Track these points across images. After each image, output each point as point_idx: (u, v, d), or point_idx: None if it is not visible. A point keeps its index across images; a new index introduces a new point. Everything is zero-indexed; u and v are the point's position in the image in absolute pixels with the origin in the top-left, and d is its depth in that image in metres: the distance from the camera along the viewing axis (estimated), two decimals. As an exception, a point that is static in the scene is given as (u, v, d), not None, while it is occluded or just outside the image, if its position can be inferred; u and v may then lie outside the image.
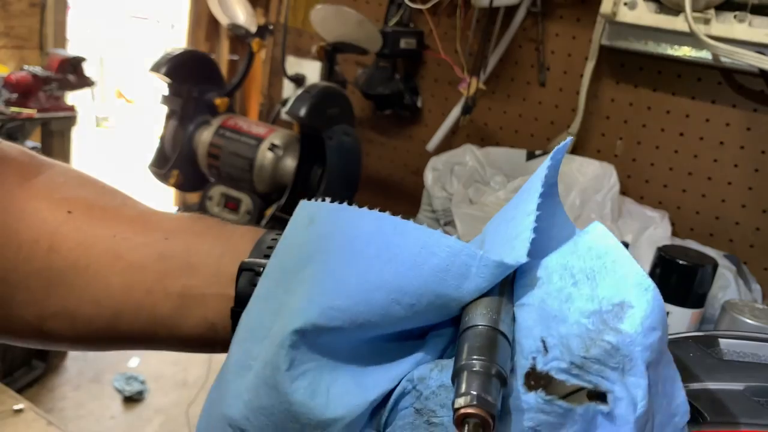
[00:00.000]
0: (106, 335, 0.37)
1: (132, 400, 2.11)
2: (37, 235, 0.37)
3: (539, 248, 0.22)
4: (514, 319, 0.21)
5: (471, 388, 0.18)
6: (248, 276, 0.32)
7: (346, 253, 0.23)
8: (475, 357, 0.19)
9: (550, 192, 0.23)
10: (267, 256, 0.31)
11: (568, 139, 0.27)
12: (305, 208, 0.28)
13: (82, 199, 0.39)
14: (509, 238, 0.22)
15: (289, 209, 1.08)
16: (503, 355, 0.19)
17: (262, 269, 0.31)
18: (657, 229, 0.96)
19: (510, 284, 0.22)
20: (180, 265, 0.35)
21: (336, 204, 0.26)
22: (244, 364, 0.25)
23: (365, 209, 0.25)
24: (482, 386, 0.18)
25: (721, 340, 0.50)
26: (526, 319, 0.21)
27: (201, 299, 0.34)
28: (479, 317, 0.20)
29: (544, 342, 0.20)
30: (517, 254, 0.20)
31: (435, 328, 0.23)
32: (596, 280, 0.21)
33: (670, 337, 0.50)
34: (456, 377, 0.19)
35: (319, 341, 0.22)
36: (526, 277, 0.22)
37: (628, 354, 0.19)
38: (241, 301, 0.32)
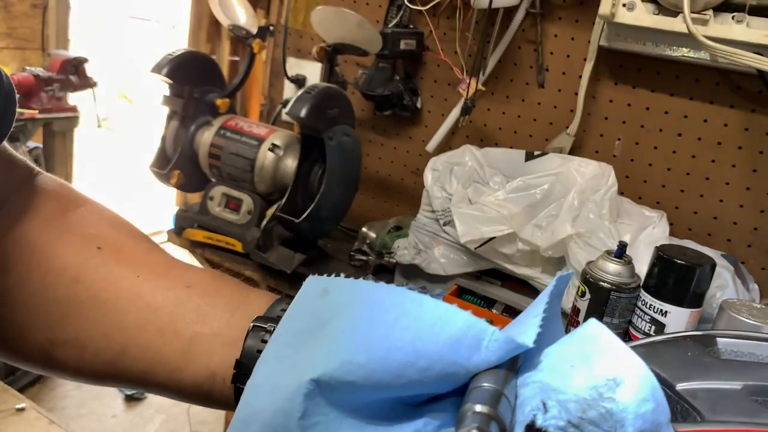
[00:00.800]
0: (109, 370, 0.38)
1: (133, 398, 2.12)
2: (65, 264, 0.38)
3: (543, 341, 0.23)
4: (516, 395, 0.23)
5: (473, 421, 0.20)
6: (258, 333, 0.33)
7: (366, 318, 0.24)
8: (478, 404, 0.20)
9: (554, 309, 0.25)
10: (280, 317, 0.32)
11: (569, 273, 0.29)
12: (316, 281, 0.29)
13: (113, 238, 0.40)
14: (519, 327, 0.24)
15: (289, 209, 1.09)
16: (504, 409, 0.21)
17: (273, 328, 0.32)
18: (655, 229, 0.96)
19: (516, 363, 0.24)
20: (195, 312, 0.36)
21: (351, 278, 0.27)
22: (248, 419, 0.26)
23: (381, 282, 0.26)
24: (483, 423, 0.20)
25: (719, 340, 0.50)
26: (528, 392, 0.23)
27: (208, 347, 0.35)
28: (485, 380, 0.22)
29: (544, 404, 0.22)
30: (526, 337, 0.22)
31: (441, 398, 0.24)
32: (592, 361, 0.22)
33: (668, 336, 0.51)
34: (459, 420, 0.20)
35: (334, 395, 0.23)
36: (530, 362, 0.24)
37: (621, 420, 0.21)
38: (247, 355, 0.33)
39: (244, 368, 0.32)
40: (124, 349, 0.36)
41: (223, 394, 0.35)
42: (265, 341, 0.32)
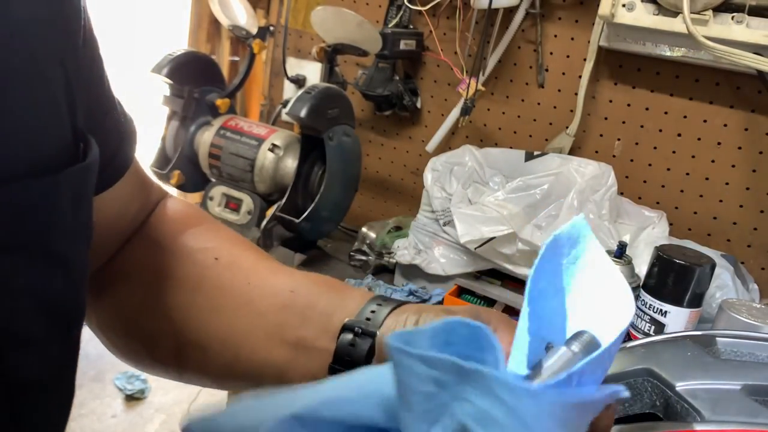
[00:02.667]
0: (229, 372, 0.41)
1: (133, 398, 2.12)
2: (186, 274, 0.43)
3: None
4: None
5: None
6: (347, 336, 0.36)
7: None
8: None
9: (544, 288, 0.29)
10: (368, 319, 0.36)
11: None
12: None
13: (227, 249, 0.45)
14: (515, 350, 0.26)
15: (289, 209, 1.09)
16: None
17: (360, 329, 0.36)
18: (655, 229, 0.96)
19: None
20: (298, 317, 0.39)
21: None
22: None
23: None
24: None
25: (719, 339, 0.50)
26: None
27: (309, 351, 0.38)
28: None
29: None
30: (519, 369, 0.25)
31: None
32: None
33: (668, 336, 0.51)
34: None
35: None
36: None
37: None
38: (338, 358, 0.36)
39: (337, 364, 0.36)
40: (238, 353, 0.40)
41: None
42: (352, 345, 0.35)
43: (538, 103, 1.18)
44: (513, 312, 1.00)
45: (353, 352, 0.35)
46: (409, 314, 0.35)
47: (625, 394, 0.24)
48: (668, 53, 0.98)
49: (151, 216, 0.47)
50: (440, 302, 1.01)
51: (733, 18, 0.87)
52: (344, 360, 0.35)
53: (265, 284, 0.41)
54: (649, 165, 1.09)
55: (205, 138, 1.19)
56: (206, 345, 0.41)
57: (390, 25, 1.24)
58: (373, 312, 0.36)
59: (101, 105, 0.37)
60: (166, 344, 0.42)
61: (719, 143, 1.03)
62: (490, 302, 1.02)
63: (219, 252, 0.44)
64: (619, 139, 1.11)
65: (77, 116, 0.31)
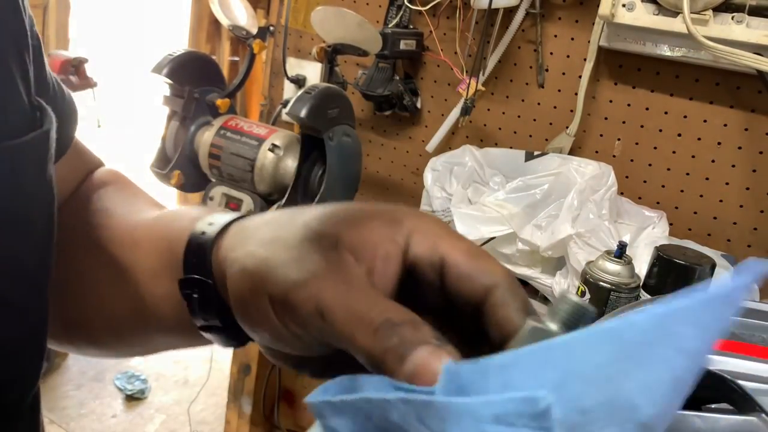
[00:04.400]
0: (120, 335, 0.40)
1: (133, 398, 2.12)
2: (69, 242, 0.40)
3: None
4: None
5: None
6: (188, 291, 0.32)
7: None
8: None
9: None
10: (195, 257, 0.31)
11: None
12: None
13: (109, 203, 0.43)
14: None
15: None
16: None
17: (197, 290, 0.31)
18: (655, 229, 0.96)
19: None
20: (160, 267, 0.36)
21: None
22: None
23: None
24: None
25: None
26: None
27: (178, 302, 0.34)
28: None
29: None
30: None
31: None
32: None
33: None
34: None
35: None
36: None
37: None
38: (194, 313, 0.32)
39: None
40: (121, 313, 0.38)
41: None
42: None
43: (538, 103, 1.18)
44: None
45: (200, 302, 0.31)
46: (246, 263, 0.27)
47: None
48: (668, 53, 0.98)
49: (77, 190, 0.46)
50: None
51: (733, 18, 0.87)
52: (200, 314, 0.31)
53: (124, 226, 0.40)
54: (649, 165, 1.09)
55: (206, 138, 1.19)
56: (96, 317, 0.40)
57: (390, 25, 1.24)
58: (200, 241, 0.31)
59: (41, 84, 0.37)
60: (54, 321, 0.41)
61: (719, 143, 1.03)
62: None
63: (102, 210, 0.43)
64: (619, 139, 1.11)
65: (31, 89, 0.31)
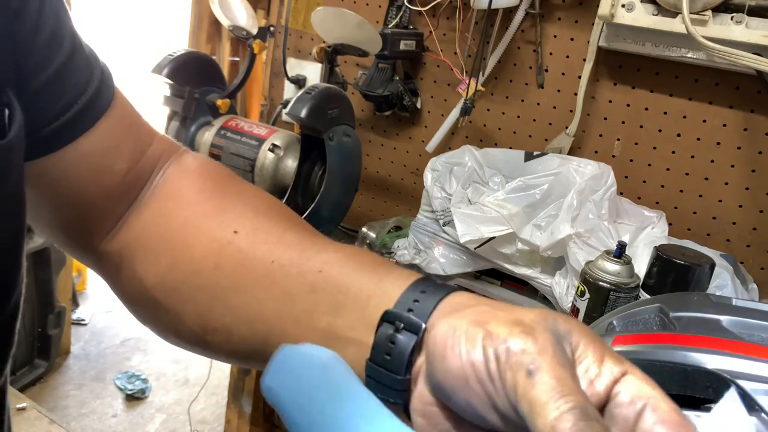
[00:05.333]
0: (257, 355, 0.38)
1: (134, 398, 2.12)
2: (206, 252, 0.39)
3: None
4: None
5: None
6: (387, 330, 0.31)
7: None
8: None
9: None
10: (411, 310, 0.31)
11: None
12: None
13: (249, 220, 0.40)
14: None
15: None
16: None
17: (402, 324, 0.30)
18: (654, 229, 0.96)
19: None
20: (328, 301, 0.35)
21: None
22: None
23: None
24: None
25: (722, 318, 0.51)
26: None
27: (343, 341, 0.34)
28: None
29: None
30: None
31: None
32: None
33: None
34: None
35: None
36: None
37: None
38: (376, 354, 0.31)
39: (374, 361, 0.31)
40: (266, 337, 0.36)
41: None
42: (392, 342, 0.30)
43: (538, 104, 1.18)
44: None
45: (393, 349, 0.30)
46: (471, 318, 0.28)
47: None
48: (667, 53, 0.99)
49: (160, 175, 0.43)
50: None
51: (732, 18, 0.88)
52: (383, 357, 0.31)
53: (290, 262, 0.37)
54: (649, 165, 1.09)
55: (206, 138, 1.19)
56: (232, 328, 0.38)
57: (390, 26, 1.24)
58: (416, 302, 0.31)
59: (51, 50, 0.36)
60: (190, 324, 0.40)
61: (718, 143, 1.03)
62: (489, 302, 1.02)
63: (239, 223, 0.40)
64: (618, 139, 1.12)
65: (1, 76, 0.30)
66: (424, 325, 0.30)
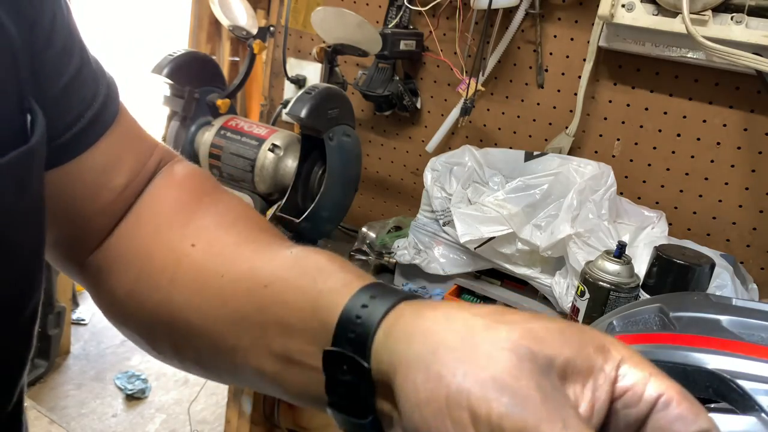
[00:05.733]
0: (228, 374, 0.38)
1: (134, 398, 2.12)
2: (164, 265, 0.39)
3: None
4: None
5: None
6: (335, 371, 0.29)
7: None
8: None
9: None
10: (351, 338, 0.28)
11: None
12: None
13: (211, 233, 0.40)
14: None
15: (289, 209, 1.09)
16: None
17: (345, 366, 0.28)
18: (654, 229, 0.96)
19: None
20: (277, 323, 0.33)
21: None
22: None
23: None
24: None
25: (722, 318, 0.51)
26: None
27: (299, 367, 0.32)
28: None
29: None
30: None
31: None
32: None
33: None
34: None
35: None
36: None
37: None
38: (332, 396, 0.30)
39: (334, 407, 0.30)
40: (232, 358, 0.35)
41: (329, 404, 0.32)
42: (344, 385, 0.29)
43: (538, 104, 1.18)
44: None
45: (347, 393, 0.29)
46: (439, 372, 0.25)
47: None
48: (667, 53, 0.99)
49: (151, 184, 0.43)
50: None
51: (732, 18, 0.88)
52: (340, 402, 0.29)
53: (239, 276, 0.36)
54: (649, 165, 1.09)
55: (206, 138, 1.19)
56: (198, 344, 0.37)
57: (390, 26, 1.24)
58: (360, 317, 0.29)
59: (62, 63, 0.36)
60: (162, 337, 0.39)
61: (718, 143, 1.03)
62: (489, 302, 1.02)
63: (199, 236, 0.39)
64: (618, 140, 1.12)
65: (22, 83, 0.30)
66: (366, 365, 0.28)
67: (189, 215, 0.41)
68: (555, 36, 1.13)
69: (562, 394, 0.24)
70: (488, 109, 1.24)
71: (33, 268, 0.33)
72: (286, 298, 0.33)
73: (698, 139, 1.04)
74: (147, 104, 1.17)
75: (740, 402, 0.35)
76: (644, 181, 1.10)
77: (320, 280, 0.32)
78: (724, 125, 1.02)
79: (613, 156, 1.12)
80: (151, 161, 0.43)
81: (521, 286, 1.02)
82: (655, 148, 1.08)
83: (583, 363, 0.25)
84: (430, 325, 0.27)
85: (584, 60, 1.08)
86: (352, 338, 0.28)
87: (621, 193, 1.07)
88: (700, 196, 1.06)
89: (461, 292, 1.04)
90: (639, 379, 0.25)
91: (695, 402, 0.25)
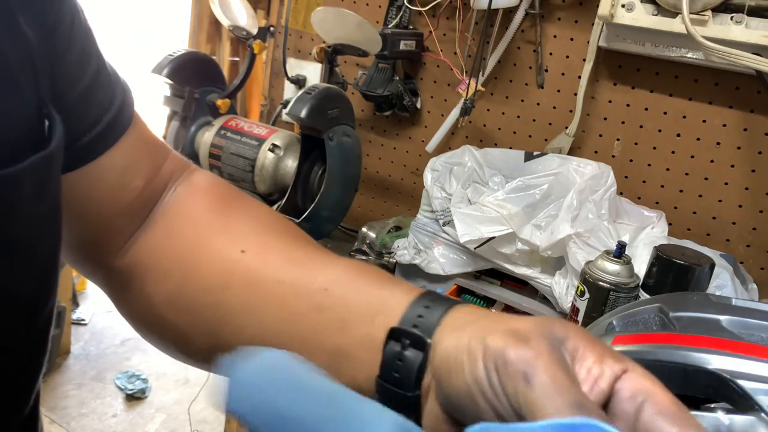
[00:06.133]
0: None
1: (134, 398, 2.12)
2: (215, 271, 0.40)
3: None
4: None
5: None
6: (394, 347, 0.32)
7: None
8: None
9: None
10: (416, 326, 0.31)
11: None
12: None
13: (257, 238, 0.41)
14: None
15: (289, 209, 1.09)
16: None
17: (408, 341, 0.31)
18: (654, 229, 0.96)
19: None
20: (335, 320, 0.35)
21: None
22: None
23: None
24: None
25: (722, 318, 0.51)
26: None
27: (351, 359, 0.34)
28: None
29: None
30: None
31: None
32: None
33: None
34: None
35: None
36: None
37: None
38: (385, 372, 0.32)
39: (384, 379, 0.32)
40: None
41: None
42: (400, 359, 0.31)
43: (538, 104, 1.18)
44: (512, 311, 1.00)
45: (401, 367, 0.31)
46: (471, 333, 0.29)
47: None
48: (667, 53, 0.99)
49: (171, 192, 0.44)
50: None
51: (732, 18, 0.88)
52: (392, 375, 0.31)
53: (297, 281, 0.37)
54: (649, 165, 1.10)
55: (206, 138, 1.19)
56: (241, 347, 0.39)
57: (390, 26, 1.24)
58: (420, 317, 0.32)
59: (81, 67, 0.36)
60: (198, 343, 0.40)
61: (718, 143, 1.03)
62: (489, 302, 1.03)
63: (247, 242, 0.40)
64: (618, 140, 1.12)
65: (41, 89, 0.31)
66: (429, 341, 0.30)
67: (225, 221, 0.42)
68: (555, 36, 1.13)
69: (567, 363, 0.26)
70: (488, 109, 1.24)
71: (49, 273, 0.33)
72: (347, 300, 0.35)
73: (698, 139, 1.04)
74: (147, 104, 1.17)
75: (740, 402, 0.35)
76: (644, 181, 1.10)
77: (379, 286, 0.35)
78: (724, 125, 1.02)
79: (613, 156, 1.12)
80: (166, 165, 0.44)
81: (521, 286, 1.03)
82: (654, 148, 1.08)
83: (591, 352, 0.27)
84: (480, 321, 0.30)
85: (584, 60, 1.08)
86: (414, 332, 0.31)
87: (621, 193, 1.07)
88: (700, 196, 1.06)
89: (461, 292, 1.04)
90: (637, 383, 0.26)
91: (685, 411, 0.26)
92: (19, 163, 0.28)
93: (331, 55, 1.17)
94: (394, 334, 0.31)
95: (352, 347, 0.34)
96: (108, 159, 0.39)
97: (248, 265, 0.39)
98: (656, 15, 0.93)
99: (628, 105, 1.09)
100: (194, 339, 0.40)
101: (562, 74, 1.14)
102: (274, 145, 1.13)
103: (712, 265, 0.77)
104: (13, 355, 0.31)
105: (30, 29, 0.30)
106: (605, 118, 1.12)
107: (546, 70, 1.16)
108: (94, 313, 2.54)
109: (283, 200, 1.09)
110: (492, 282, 1.04)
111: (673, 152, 1.07)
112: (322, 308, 0.36)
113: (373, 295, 0.35)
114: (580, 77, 1.09)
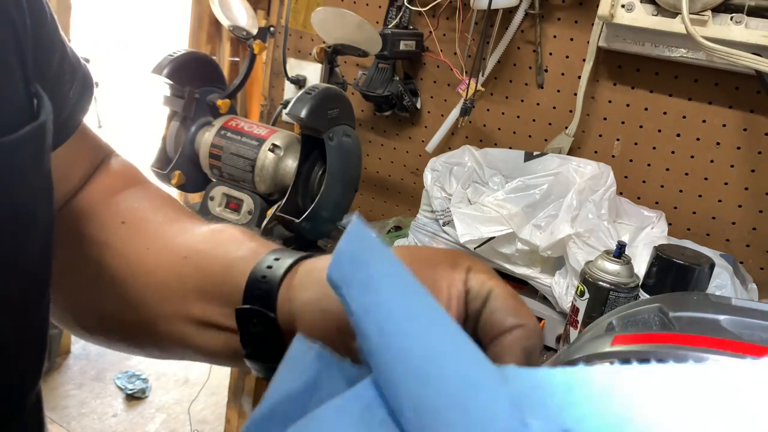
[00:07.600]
0: (153, 345, 0.40)
1: (134, 398, 2.12)
2: (95, 240, 0.41)
3: None
4: None
5: None
6: (246, 320, 0.34)
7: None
8: None
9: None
10: (260, 290, 0.33)
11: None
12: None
13: (137, 211, 0.43)
14: None
15: (289, 209, 1.09)
16: None
17: (255, 320, 0.33)
18: (654, 229, 0.96)
19: None
20: (195, 289, 0.37)
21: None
22: None
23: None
24: None
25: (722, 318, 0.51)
26: None
27: (217, 329, 0.36)
28: None
29: None
30: None
31: None
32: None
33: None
34: None
35: None
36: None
37: None
38: (247, 343, 0.34)
39: (252, 356, 0.35)
40: (153, 328, 0.39)
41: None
42: (255, 332, 0.34)
43: (538, 104, 1.18)
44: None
45: (257, 332, 0.34)
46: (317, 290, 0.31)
47: None
48: (667, 54, 0.99)
49: (91, 178, 0.45)
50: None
51: (732, 18, 0.88)
52: (252, 341, 0.34)
53: (163, 250, 0.39)
54: (648, 165, 1.10)
55: (206, 138, 1.19)
56: (123, 317, 0.40)
57: (390, 26, 1.24)
58: (265, 277, 0.34)
59: (53, 42, 0.37)
60: (89, 314, 0.41)
61: (718, 143, 1.03)
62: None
63: (127, 214, 0.42)
64: (618, 140, 1.12)
65: (28, 72, 0.31)
66: (273, 315, 0.33)
67: (121, 198, 0.44)
68: (555, 36, 1.13)
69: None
70: (488, 110, 1.24)
71: (47, 246, 0.34)
72: (203, 268, 0.37)
73: (698, 139, 1.04)
74: (147, 104, 1.17)
75: None
76: (644, 181, 1.11)
77: (232, 250, 0.37)
78: (724, 125, 1.02)
79: (613, 156, 1.12)
80: (99, 158, 0.46)
81: (521, 286, 1.03)
82: (654, 148, 1.08)
83: (443, 277, 0.30)
84: (319, 274, 0.32)
85: (584, 60, 1.08)
86: (259, 296, 0.33)
87: (621, 193, 1.07)
88: (700, 196, 1.06)
89: (461, 292, 1.04)
90: (479, 280, 0.30)
91: (520, 302, 0.30)
92: (17, 132, 0.29)
93: (331, 56, 1.17)
94: (242, 314, 0.34)
95: (214, 316, 0.36)
96: (62, 152, 0.39)
97: (123, 236, 0.41)
98: (656, 15, 0.93)
99: (627, 105, 1.09)
100: (84, 311, 0.42)
101: (562, 74, 1.14)
102: (275, 145, 1.13)
103: (712, 265, 0.77)
104: (22, 321, 0.32)
105: (12, 7, 0.30)
106: (605, 118, 1.12)
107: (546, 70, 1.16)
108: (94, 313, 2.54)
109: (283, 200, 1.09)
110: (492, 282, 1.04)
111: (672, 152, 1.07)
112: (182, 278, 0.38)
113: (223, 259, 0.37)
114: (579, 77, 1.09)
